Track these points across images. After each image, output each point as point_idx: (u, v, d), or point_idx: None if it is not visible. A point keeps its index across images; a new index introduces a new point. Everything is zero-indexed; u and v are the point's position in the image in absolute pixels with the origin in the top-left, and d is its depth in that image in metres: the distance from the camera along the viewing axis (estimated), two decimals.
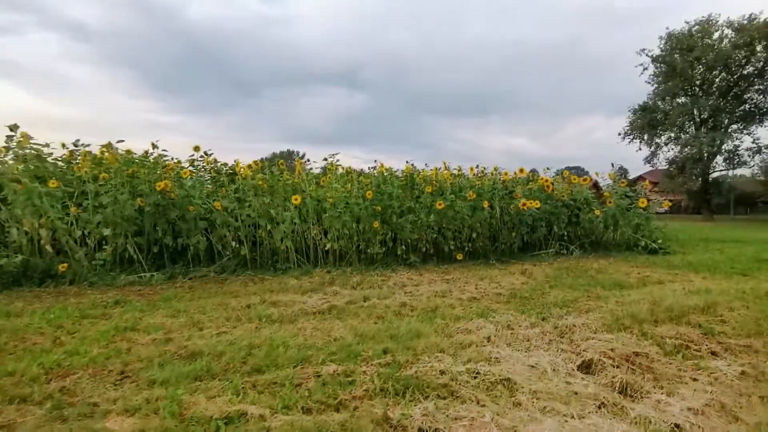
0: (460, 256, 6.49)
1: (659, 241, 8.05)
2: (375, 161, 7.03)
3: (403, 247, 6.02)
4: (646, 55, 30.34)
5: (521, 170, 7.36)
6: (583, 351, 2.81)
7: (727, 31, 27.49)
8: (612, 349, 2.82)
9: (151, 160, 5.22)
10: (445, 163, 7.30)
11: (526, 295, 4.35)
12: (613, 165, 8.29)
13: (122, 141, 5.33)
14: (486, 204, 6.46)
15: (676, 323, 3.46)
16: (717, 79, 29.61)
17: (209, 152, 6.23)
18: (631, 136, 32.24)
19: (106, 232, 4.48)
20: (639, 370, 2.54)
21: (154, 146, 5.31)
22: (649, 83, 31.19)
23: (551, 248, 7.40)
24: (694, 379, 2.39)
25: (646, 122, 30.91)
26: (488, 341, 2.98)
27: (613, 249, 8.11)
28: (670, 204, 10.93)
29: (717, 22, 27.91)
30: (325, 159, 6.57)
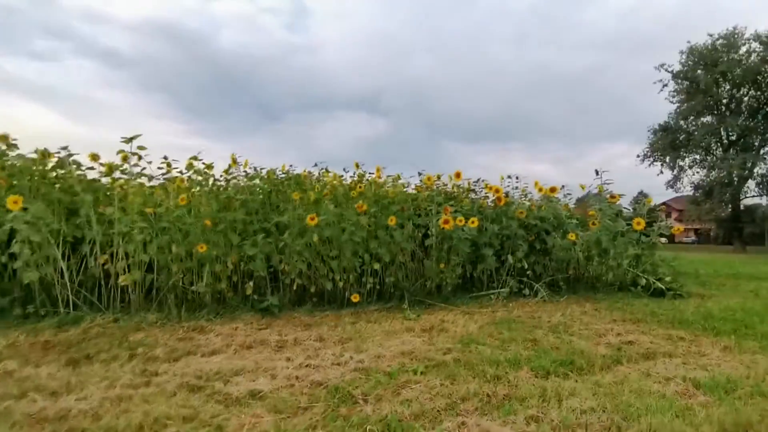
0: (356, 298, 4.38)
1: (667, 279, 5.74)
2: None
3: (251, 283, 3.96)
4: (666, 70, 27.99)
5: (457, 174, 5.23)
6: None
7: (755, 45, 25.03)
8: None
9: None
10: (358, 164, 5.31)
11: (362, 391, 2.22)
12: (597, 172, 5.99)
13: None
14: (393, 221, 4.37)
15: None
16: (746, 97, 26.97)
17: None
18: (651, 159, 29.56)
19: None
20: None
21: None
22: (670, 101, 28.73)
23: (506, 287, 5.20)
24: None
25: (668, 143, 28.29)
26: None
27: (602, 289, 5.84)
28: (682, 230, 8.47)
29: (743, 35, 25.49)
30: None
